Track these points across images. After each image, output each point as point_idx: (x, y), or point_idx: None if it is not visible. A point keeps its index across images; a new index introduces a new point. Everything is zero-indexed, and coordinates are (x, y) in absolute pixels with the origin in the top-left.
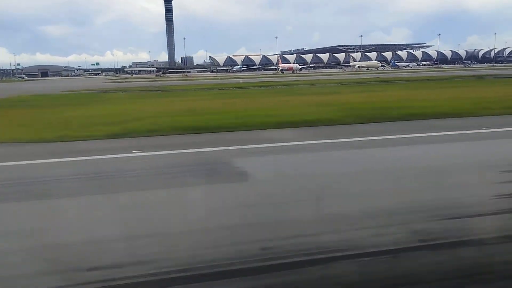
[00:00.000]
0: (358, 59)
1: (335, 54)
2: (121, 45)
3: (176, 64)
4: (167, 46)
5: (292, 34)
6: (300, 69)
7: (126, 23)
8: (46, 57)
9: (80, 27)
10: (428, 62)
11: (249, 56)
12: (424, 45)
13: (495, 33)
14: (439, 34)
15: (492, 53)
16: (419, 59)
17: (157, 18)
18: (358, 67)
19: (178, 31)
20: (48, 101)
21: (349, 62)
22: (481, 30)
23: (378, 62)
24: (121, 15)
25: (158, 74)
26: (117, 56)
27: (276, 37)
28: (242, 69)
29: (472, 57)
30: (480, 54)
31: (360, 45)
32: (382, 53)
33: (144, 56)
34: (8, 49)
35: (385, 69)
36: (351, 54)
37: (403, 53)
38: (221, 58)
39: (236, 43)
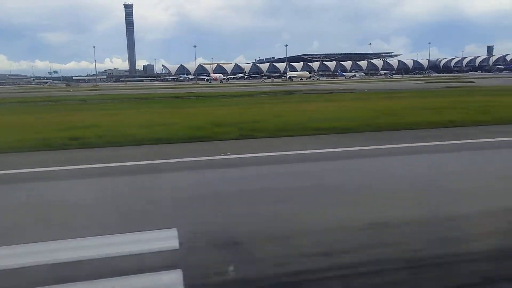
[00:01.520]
0: (316, 68)
1: (292, 63)
2: (120, 53)
3: (137, 72)
4: (128, 54)
5: (290, 42)
6: (228, 79)
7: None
8: (45, 64)
9: (79, 34)
10: (385, 71)
11: (203, 65)
12: (392, 54)
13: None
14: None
15: (452, 63)
16: (379, 69)
17: (155, 26)
18: (289, 77)
19: (178, 38)
20: None
21: (290, 72)
22: (479, 39)
23: (307, 73)
24: (120, 22)
25: (68, 84)
26: (115, 64)
27: (195, 46)
28: (188, 78)
29: (434, 66)
30: (442, 63)
31: (326, 54)
32: (342, 62)
33: (139, 63)
34: (7, 56)
35: (314, 79)
36: (308, 63)
37: (363, 63)
38: (173, 67)
39: (235, 51)
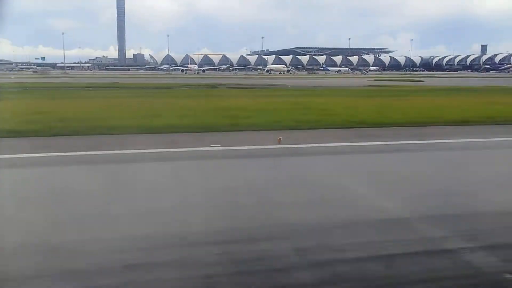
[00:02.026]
0: (305, 62)
1: (282, 56)
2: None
3: (126, 60)
4: (118, 42)
5: (293, 36)
6: (203, 71)
7: (131, 18)
8: (48, 50)
9: (84, 22)
10: (375, 68)
11: (190, 56)
12: (386, 49)
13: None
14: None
15: (444, 61)
16: (370, 65)
17: (160, 15)
18: (267, 71)
19: (183, 28)
20: None
21: (269, 65)
22: (488, 38)
23: (284, 66)
24: (127, 10)
25: (36, 71)
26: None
27: (168, 36)
28: (171, 68)
29: (427, 64)
30: (434, 61)
31: (318, 48)
32: (332, 57)
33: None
34: (12, 41)
35: (291, 73)
36: (298, 56)
37: (353, 58)
38: (159, 56)
39: (240, 42)
